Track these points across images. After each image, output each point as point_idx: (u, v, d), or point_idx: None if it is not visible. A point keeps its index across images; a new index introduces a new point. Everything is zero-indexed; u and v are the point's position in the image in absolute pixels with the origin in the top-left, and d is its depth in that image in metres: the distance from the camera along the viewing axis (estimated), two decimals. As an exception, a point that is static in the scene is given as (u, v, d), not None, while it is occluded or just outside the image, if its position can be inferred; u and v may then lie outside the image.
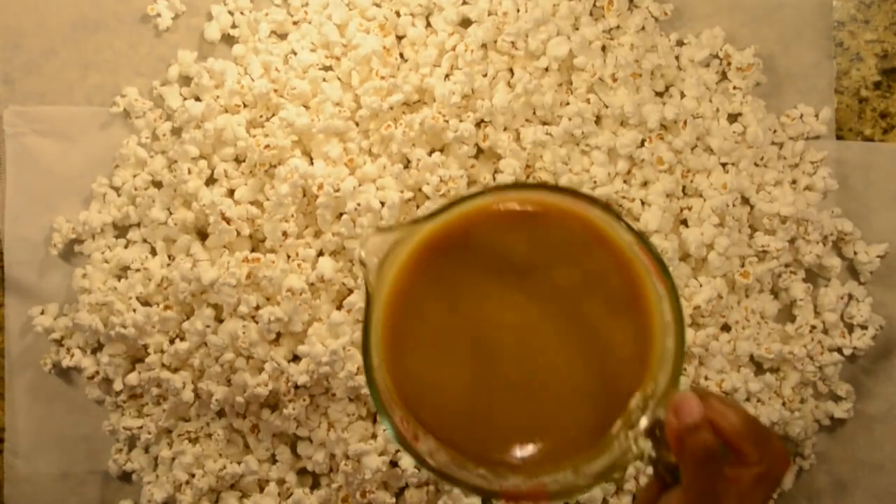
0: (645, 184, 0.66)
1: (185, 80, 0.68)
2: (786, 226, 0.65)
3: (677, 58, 0.68)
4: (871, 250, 0.68)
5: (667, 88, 0.68)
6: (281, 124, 0.64)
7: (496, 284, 0.46)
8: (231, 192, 0.66)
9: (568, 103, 0.66)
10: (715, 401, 0.43)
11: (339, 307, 0.64)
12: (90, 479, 0.69)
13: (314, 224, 0.65)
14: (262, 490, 0.67)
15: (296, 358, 0.65)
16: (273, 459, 0.67)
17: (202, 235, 0.67)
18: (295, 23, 0.68)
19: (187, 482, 0.66)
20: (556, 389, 0.46)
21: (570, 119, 0.65)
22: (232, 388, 0.64)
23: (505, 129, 0.66)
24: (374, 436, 0.65)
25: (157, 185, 0.67)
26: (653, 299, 0.44)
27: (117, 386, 0.66)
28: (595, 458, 0.44)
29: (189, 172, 0.65)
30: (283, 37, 0.68)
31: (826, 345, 0.67)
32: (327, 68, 0.67)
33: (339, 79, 0.67)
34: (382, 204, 0.63)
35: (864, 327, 0.68)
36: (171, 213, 0.66)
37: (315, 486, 0.67)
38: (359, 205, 0.62)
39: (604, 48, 0.67)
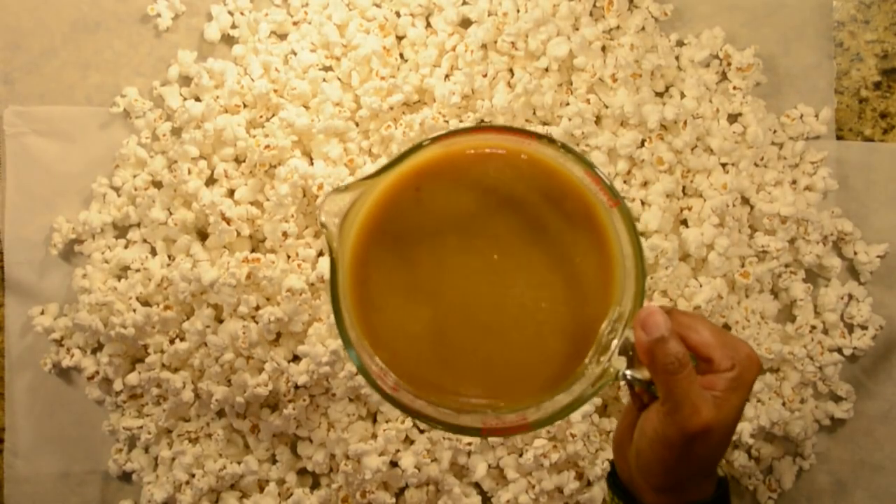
0: (645, 184, 0.66)
1: (185, 80, 0.68)
2: (786, 226, 0.65)
3: (677, 58, 0.68)
4: (871, 250, 0.68)
5: (667, 88, 0.68)
6: (281, 124, 0.64)
7: (454, 232, 0.47)
8: (231, 193, 0.66)
9: (568, 103, 0.66)
10: (680, 314, 0.44)
11: (339, 307, 0.64)
12: (90, 479, 0.69)
13: (314, 224, 0.65)
14: (262, 490, 0.67)
15: (296, 358, 0.65)
16: (273, 459, 0.67)
17: (202, 235, 0.67)
18: (295, 23, 0.68)
19: (187, 482, 0.66)
20: (527, 325, 0.46)
21: (570, 119, 0.64)
22: (232, 389, 0.64)
23: (505, 129, 0.66)
24: (374, 436, 0.65)
25: (157, 185, 0.67)
26: (607, 224, 0.46)
27: (117, 386, 0.66)
28: (572, 386, 0.45)
29: (189, 172, 0.65)
30: (283, 37, 0.68)
31: (826, 345, 0.67)
32: (327, 68, 0.67)
33: (339, 79, 0.67)
34: (382, 204, 0.63)
35: (864, 327, 0.68)
36: (171, 214, 0.66)
37: (315, 486, 0.67)
38: (359, 205, 0.62)
39: (604, 48, 0.67)
